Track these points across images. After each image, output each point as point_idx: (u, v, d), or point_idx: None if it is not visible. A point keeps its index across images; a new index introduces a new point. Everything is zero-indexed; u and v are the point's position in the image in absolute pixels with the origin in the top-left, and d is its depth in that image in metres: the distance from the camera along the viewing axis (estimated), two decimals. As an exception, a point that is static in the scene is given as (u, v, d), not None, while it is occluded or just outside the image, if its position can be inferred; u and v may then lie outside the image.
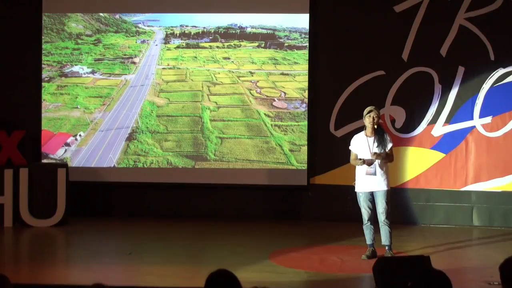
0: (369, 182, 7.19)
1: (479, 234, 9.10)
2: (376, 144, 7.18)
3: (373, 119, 7.19)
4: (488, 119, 9.42)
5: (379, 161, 7.14)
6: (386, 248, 7.22)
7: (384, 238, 7.22)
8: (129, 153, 9.95)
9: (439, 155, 9.52)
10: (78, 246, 8.23)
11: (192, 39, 10.15)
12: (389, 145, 7.22)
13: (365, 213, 7.24)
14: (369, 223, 7.24)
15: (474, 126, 9.46)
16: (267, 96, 9.95)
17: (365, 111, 7.26)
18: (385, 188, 7.18)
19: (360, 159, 7.19)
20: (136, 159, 9.95)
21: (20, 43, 10.16)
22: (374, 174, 7.14)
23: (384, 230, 7.19)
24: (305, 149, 9.77)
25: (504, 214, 9.44)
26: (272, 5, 9.93)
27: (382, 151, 7.16)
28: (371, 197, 7.23)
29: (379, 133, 7.23)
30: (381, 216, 7.16)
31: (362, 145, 7.26)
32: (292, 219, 9.75)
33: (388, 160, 7.23)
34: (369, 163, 7.11)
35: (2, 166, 9.32)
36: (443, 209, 9.58)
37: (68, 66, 10.19)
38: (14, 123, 9.95)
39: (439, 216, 9.58)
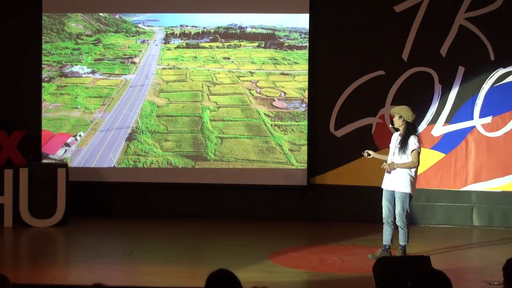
0: (387, 180, 7.27)
1: (479, 234, 9.11)
2: (399, 145, 7.21)
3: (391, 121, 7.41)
4: (488, 119, 9.42)
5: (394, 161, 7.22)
6: (399, 247, 7.29)
7: (399, 238, 7.29)
8: (129, 153, 9.95)
9: (439, 155, 9.52)
10: (78, 246, 8.23)
11: (192, 39, 10.15)
12: (409, 149, 7.14)
13: (383, 211, 7.31)
14: (385, 222, 7.28)
15: (474, 126, 9.46)
16: (267, 96, 9.95)
17: None
18: (402, 190, 7.17)
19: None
20: (136, 159, 9.95)
21: (20, 43, 10.16)
22: (389, 172, 7.19)
23: (399, 231, 7.26)
24: (305, 149, 9.77)
25: (504, 214, 9.44)
26: (272, 5, 9.93)
27: (401, 154, 7.15)
28: (392, 197, 7.26)
29: (405, 135, 7.21)
30: (397, 217, 7.22)
31: (393, 142, 7.36)
32: (292, 219, 9.75)
33: (405, 167, 7.18)
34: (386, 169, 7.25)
35: (2, 166, 9.32)
36: (443, 209, 9.59)
37: (68, 66, 10.19)
38: (14, 123, 9.94)
39: (439, 216, 9.58)
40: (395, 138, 7.34)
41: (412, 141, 7.13)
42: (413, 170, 7.19)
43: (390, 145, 7.40)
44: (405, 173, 7.16)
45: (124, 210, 9.97)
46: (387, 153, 7.47)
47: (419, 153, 7.14)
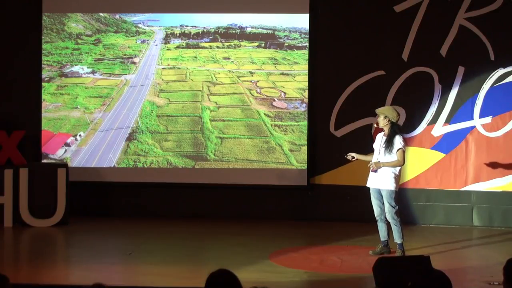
0: (373, 179, 7.37)
1: (479, 234, 9.11)
2: (384, 145, 7.30)
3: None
4: (488, 119, 9.42)
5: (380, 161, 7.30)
6: (397, 246, 7.33)
7: (394, 236, 7.35)
8: (129, 153, 9.95)
9: (439, 155, 9.52)
10: (78, 246, 8.22)
11: (192, 39, 10.15)
12: (395, 148, 7.24)
13: (374, 209, 7.42)
14: (378, 219, 7.39)
15: (474, 126, 9.46)
16: (267, 96, 9.95)
17: None
18: (387, 187, 7.27)
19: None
20: (136, 159, 9.95)
21: (20, 43, 10.16)
22: (375, 171, 7.29)
23: (392, 228, 7.33)
24: (305, 149, 9.77)
25: (504, 214, 9.44)
26: (272, 5, 9.93)
27: (386, 154, 7.24)
28: (379, 194, 7.36)
29: (390, 135, 7.30)
30: (387, 215, 7.32)
31: (377, 142, 7.46)
32: (292, 219, 9.75)
33: (391, 166, 7.27)
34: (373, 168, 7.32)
35: (2, 166, 9.32)
36: (443, 209, 9.59)
37: (68, 66, 10.19)
38: (14, 123, 9.94)
39: (439, 216, 9.58)
40: (380, 138, 7.45)
41: (398, 141, 7.24)
42: (398, 168, 7.31)
43: (375, 145, 7.51)
44: (389, 171, 7.27)
45: (124, 210, 9.97)
46: (371, 154, 7.52)
47: (404, 152, 7.25)
